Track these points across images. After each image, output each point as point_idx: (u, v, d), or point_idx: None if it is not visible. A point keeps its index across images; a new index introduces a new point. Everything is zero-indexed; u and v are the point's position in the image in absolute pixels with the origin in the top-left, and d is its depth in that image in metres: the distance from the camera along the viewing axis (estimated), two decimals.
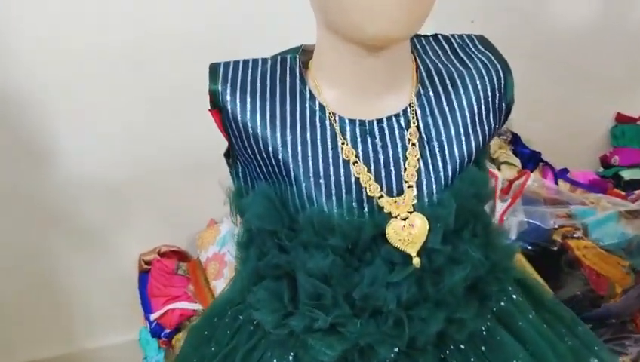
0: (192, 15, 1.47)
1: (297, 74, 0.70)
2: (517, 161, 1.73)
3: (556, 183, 1.69)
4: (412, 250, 0.66)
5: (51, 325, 1.76)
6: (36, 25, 1.39)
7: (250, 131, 0.68)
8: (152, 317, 1.58)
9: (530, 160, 1.77)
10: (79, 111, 1.52)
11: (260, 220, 0.69)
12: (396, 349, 0.69)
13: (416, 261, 0.66)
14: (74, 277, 1.71)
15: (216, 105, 0.69)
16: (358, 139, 0.68)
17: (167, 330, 1.55)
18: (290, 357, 0.73)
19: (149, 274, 1.68)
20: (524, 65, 1.74)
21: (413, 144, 0.68)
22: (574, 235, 1.40)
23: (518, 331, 0.77)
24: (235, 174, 0.75)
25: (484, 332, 0.75)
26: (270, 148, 0.68)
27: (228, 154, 0.76)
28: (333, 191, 0.67)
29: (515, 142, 1.81)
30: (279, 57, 0.72)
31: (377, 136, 0.68)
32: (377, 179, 0.67)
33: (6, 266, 1.65)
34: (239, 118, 0.68)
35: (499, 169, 1.69)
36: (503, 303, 0.78)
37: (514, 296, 0.80)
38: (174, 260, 1.70)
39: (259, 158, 0.69)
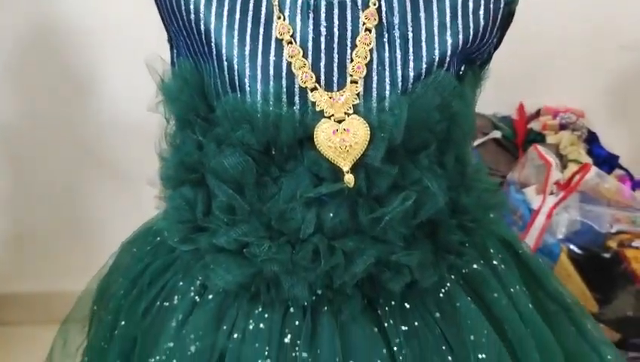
0: None
1: None
2: (589, 161, 1.50)
3: None
4: (344, 163, 0.52)
5: (76, 259, 1.73)
6: None
7: None
8: None
9: (605, 163, 1.54)
10: (128, 49, 1.47)
11: (171, 104, 0.57)
12: (319, 291, 0.55)
13: (348, 178, 0.52)
14: (101, 213, 1.70)
15: None
16: (298, 15, 0.54)
17: None
18: (198, 282, 0.61)
19: None
20: (618, 58, 1.56)
21: (368, 30, 0.54)
22: (633, 244, 1.18)
23: (491, 303, 0.61)
24: (171, 60, 0.64)
25: (442, 295, 0.59)
26: (193, 15, 0.55)
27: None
28: (259, 77, 0.53)
29: (591, 140, 1.58)
30: None
31: (323, 14, 0.54)
32: (314, 67, 0.53)
33: (47, 201, 1.67)
34: None
35: (565, 167, 1.49)
36: (476, 266, 0.62)
37: (495, 262, 0.64)
38: None
39: (183, 29, 0.57)
